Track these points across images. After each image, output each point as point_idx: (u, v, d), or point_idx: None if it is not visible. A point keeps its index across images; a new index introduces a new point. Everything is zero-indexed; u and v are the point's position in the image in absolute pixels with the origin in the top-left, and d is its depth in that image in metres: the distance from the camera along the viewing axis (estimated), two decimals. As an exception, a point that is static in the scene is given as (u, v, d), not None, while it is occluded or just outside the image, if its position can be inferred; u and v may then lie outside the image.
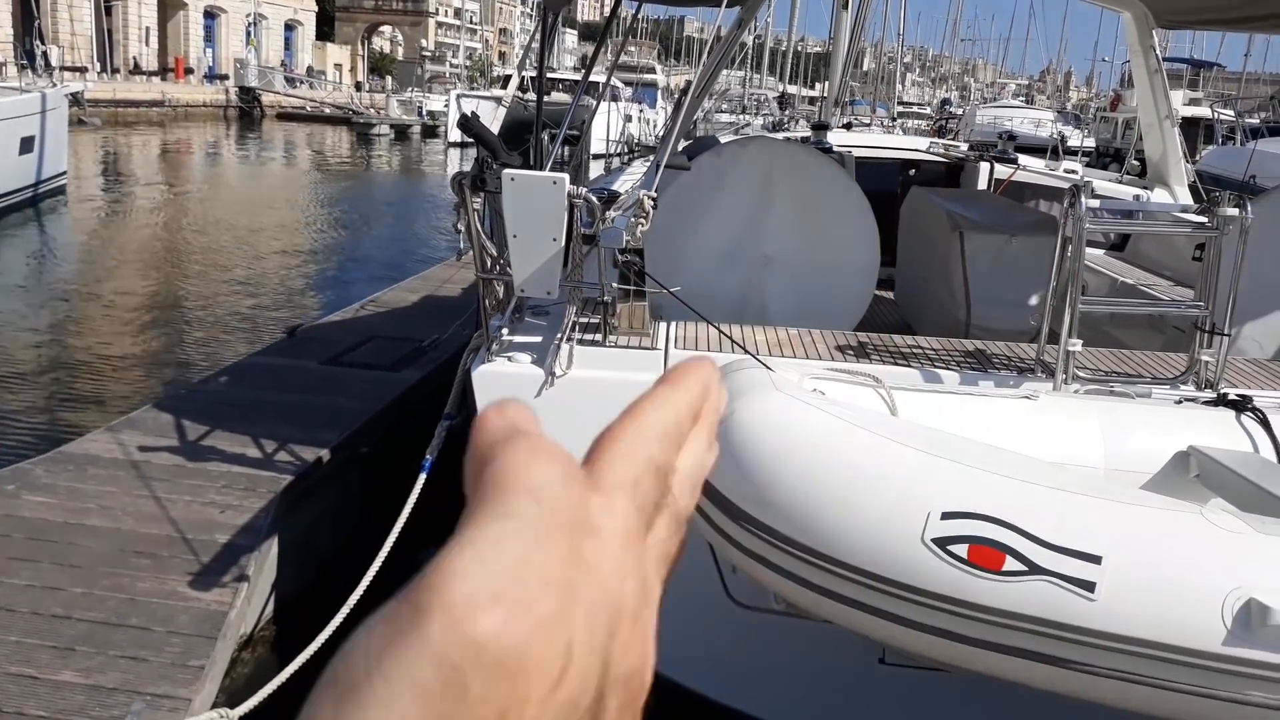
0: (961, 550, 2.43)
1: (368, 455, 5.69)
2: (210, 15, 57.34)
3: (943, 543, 2.44)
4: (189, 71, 51.30)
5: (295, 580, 4.86)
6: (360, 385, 6.35)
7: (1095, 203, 3.45)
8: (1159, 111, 6.38)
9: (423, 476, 4.00)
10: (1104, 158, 27.64)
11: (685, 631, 3.79)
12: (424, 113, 42.93)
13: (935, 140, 9.19)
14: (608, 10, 4.96)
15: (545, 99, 4.69)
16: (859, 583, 2.53)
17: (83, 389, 8.23)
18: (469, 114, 3.87)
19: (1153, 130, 6.55)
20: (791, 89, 36.56)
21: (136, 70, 48.00)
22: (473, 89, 40.40)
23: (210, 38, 57.79)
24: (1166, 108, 6.39)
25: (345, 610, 3.84)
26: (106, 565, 4.28)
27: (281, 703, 3.84)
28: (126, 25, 50.53)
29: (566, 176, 3.47)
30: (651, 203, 3.42)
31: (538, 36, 4.85)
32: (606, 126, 21.07)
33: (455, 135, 31.58)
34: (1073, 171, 7.88)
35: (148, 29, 52.05)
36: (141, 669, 3.69)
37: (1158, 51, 6.29)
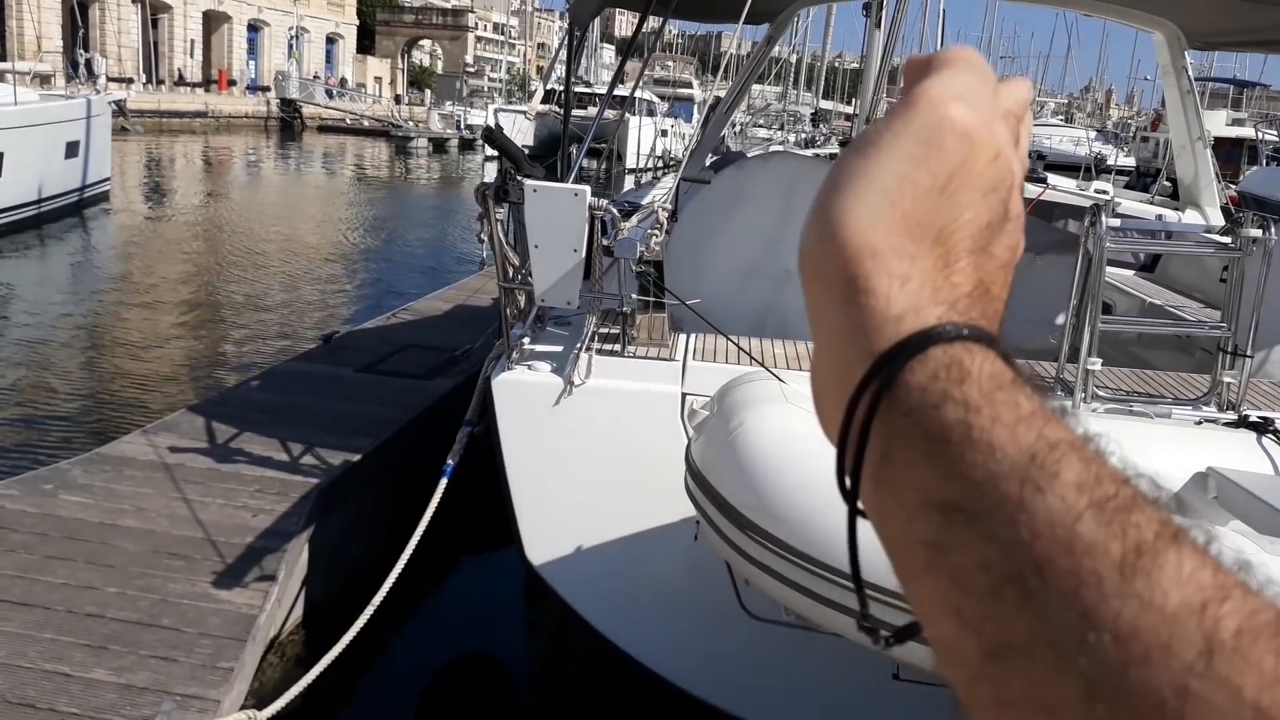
0: None
1: (400, 462, 5.77)
2: (254, 28, 58.19)
3: None
4: (232, 83, 52.08)
5: (325, 585, 4.93)
6: (394, 393, 6.44)
7: (1116, 222, 3.46)
8: (1191, 133, 6.35)
9: (444, 481, 4.06)
10: (1144, 177, 27.35)
11: (699, 643, 3.82)
12: (463, 126, 43.28)
13: None
14: (646, 29, 5.02)
15: (582, 113, 4.75)
16: (872, 597, 2.55)
17: (121, 391, 8.40)
18: (493, 126, 3.94)
19: (1185, 151, 6.52)
20: (827, 105, 36.52)
21: (181, 81, 48.85)
22: (511, 103, 40.71)
23: (253, 50, 58.64)
24: (1199, 129, 6.35)
25: (367, 614, 3.90)
26: (140, 566, 4.37)
27: (309, 705, 3.91)
28: (172, 38, 51.41)
29: (588, 189, 3.52)
30: (667, 215, 3.47)
31: (565, 51, 4.93)
32: (638, 140, 21.15)
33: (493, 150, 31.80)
34: (1103, 191, 7.85)
35: (192, 41, 52.93)
36: (172, 669, 3.77)
37: (1189, 72, 6.26)
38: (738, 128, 19.96)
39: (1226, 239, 3.54)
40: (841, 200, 0.40)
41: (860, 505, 0.39)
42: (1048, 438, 0.33)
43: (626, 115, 29.69)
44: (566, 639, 4.93)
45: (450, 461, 4.12)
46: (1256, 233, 3.40)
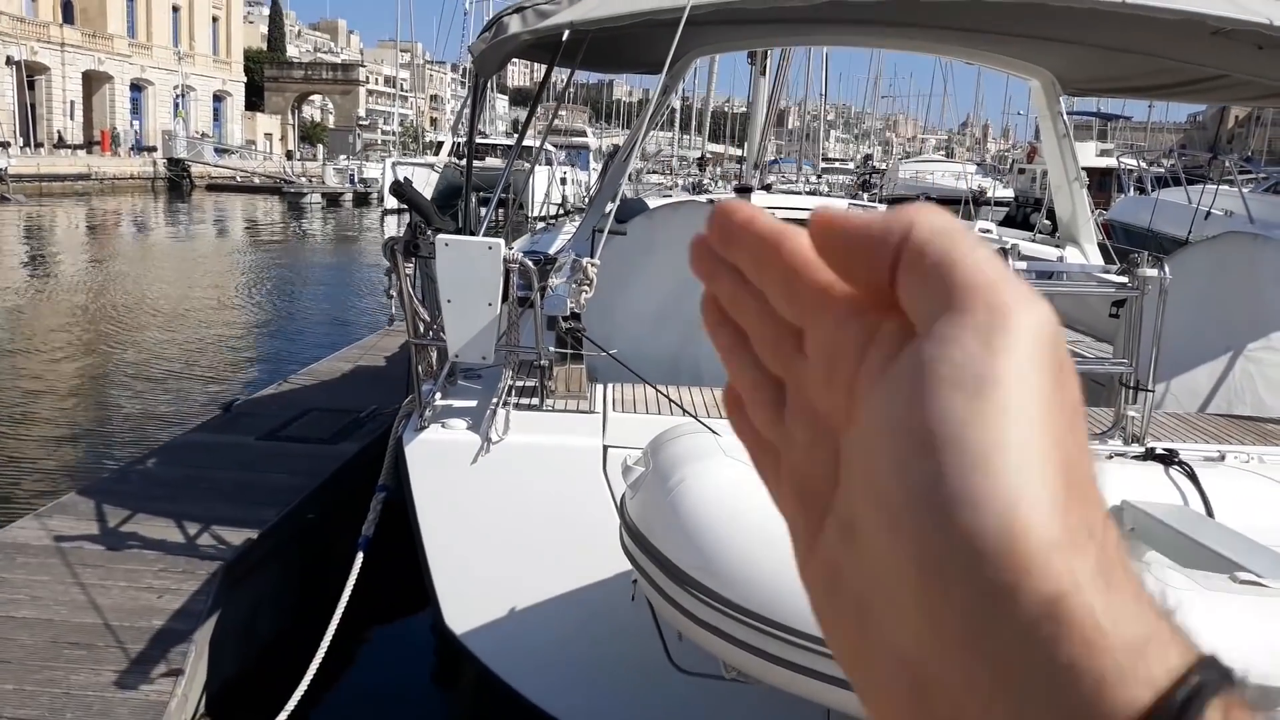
0: None
1: (308, 531, 5.61)
2: (137, 88, 56.92)
3: None
4: (116, 144, 50.74)
5: (237, 664, 4.74)
6: (298, 460, 6.27)
7: (1023, 265, 3.57)
8: (1068, 174, 6.64)
9: (360, 556, 3.94)
10: (1023, 208, 28.46)
11: (625, 698, 3.77)
12: (356, 180, 42.85)
13: (853, 202, 9.44)
14: (539, 76, 5.04)
15: (480, 164, 4.73)
16: (810, 649, 2.54)
17: (8, 475, 8.01)
18: (402, 179, 3.90)
19: (1062, 191, 6.80)
20: (718, 149, 37.15)
21: (61, 144, 47.39)
22: (406, 155, 40.50)
23: (137, 110, 57.33)
24: (1075, 170, 6.64)
25: (289, 708, 3.75)
26: (39, 659, 4.14)
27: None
28: (50, 99, 49.98)
29: (502, 242, 3.50)
30: (595, 270, 3.47)
31: (469, 102, 4.92)
32: (542, 189, 21.28)
33: (391, 202, 31.65)
34: (987, 230, 8.12)
35: (72, 102, 51.53)
36: (78, 767, 3.57)
37: (1065, 117, 6.56)
38: (632, 174, 20.22)
39: (1124, 278, 3.67)
40: (992, 481, 0.27)
41: None
42: None
43: (527, 165, 29.79)
44: (488, 705, 4.82)
45: (365, 533, 4.00)
46: (1152, 272, 3.55)
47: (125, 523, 5.31)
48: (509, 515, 3.73)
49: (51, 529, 5.20)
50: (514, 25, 3.82)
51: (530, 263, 3.56)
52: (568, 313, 3.61)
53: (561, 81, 5.04)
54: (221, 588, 4.70)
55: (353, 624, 4.23)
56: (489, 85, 4.80)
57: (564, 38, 3.81)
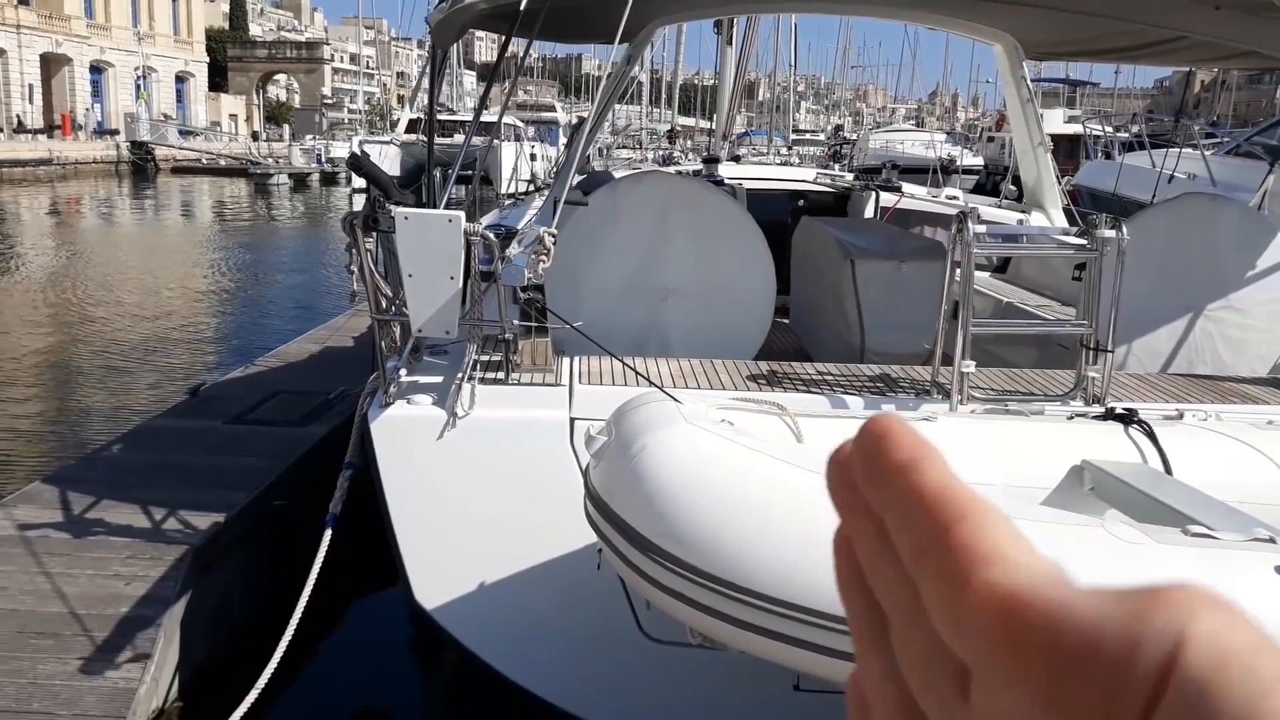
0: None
1: (278, 514, 5.57)
2: (97, 70, 56.00)
3: None
4: (77, 128, 49.94)
5: (208, 649, 4.72)
6: (267, 443, 6.22)
7: (982, 228, 3.58)
8: (1032, 139, 6.65)
9: (328, 533, 3.92)
10: (993, 175, 28.56)
11: (598, 669, 3.78)
12: (324, 160, 42.41)
13: (821, 171, 9.44)
14: (505, 50, 4.97)
15: (449, 141, 4.68)
16: (775, 612, 2.56)
17: (-27, 463, 7.91)
18: (358, 153, 3.84)
19: (1027, 156, 6.82)
20: (688, 122, 37.04)
21: (20, 129, 46.59)
22: (374, 134, 40.10)
23: (98, 92, 56.41)
24: (1039, 135, 6.66)
25: (259, 686, 3.74)
26: (5, 649, 4.10)
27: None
28: (8, 83, 49.10)
29: (462, 214, 3.47)
30: (552, 239, 3.45)
31: (428, 74, 4.86)
32: (513, 165, 21.15)
33: (359, 181, 31.34)
34: (955, 197, 8.15)
35: (30, 86, 50.63)
36: (46, 756, 3.54)
37: (1028, 82, 6.57)
38: (603, 148, 20.10)
39: (1083, 240, 3.69)
40: None
41: None
42: None
43: (496, 141, 29.56)
44: (464, 680, 4.82)
45: (333, 510, 3.97)
46: (1110, 234, 3.57)
47: (91, 510, 5.26)
48: (476, 490, 3.73)
49: (16, 518, 5.14)
50: None
51: (492, 235, 3.53)
52: (524, 283, 3.58)
53: (521, 52, 4.97)
54: (190, 573, 4.67)
55: (326, 603, 4.21)
56: (449, 58, 4.75)
57: (521, 6, 3.77)
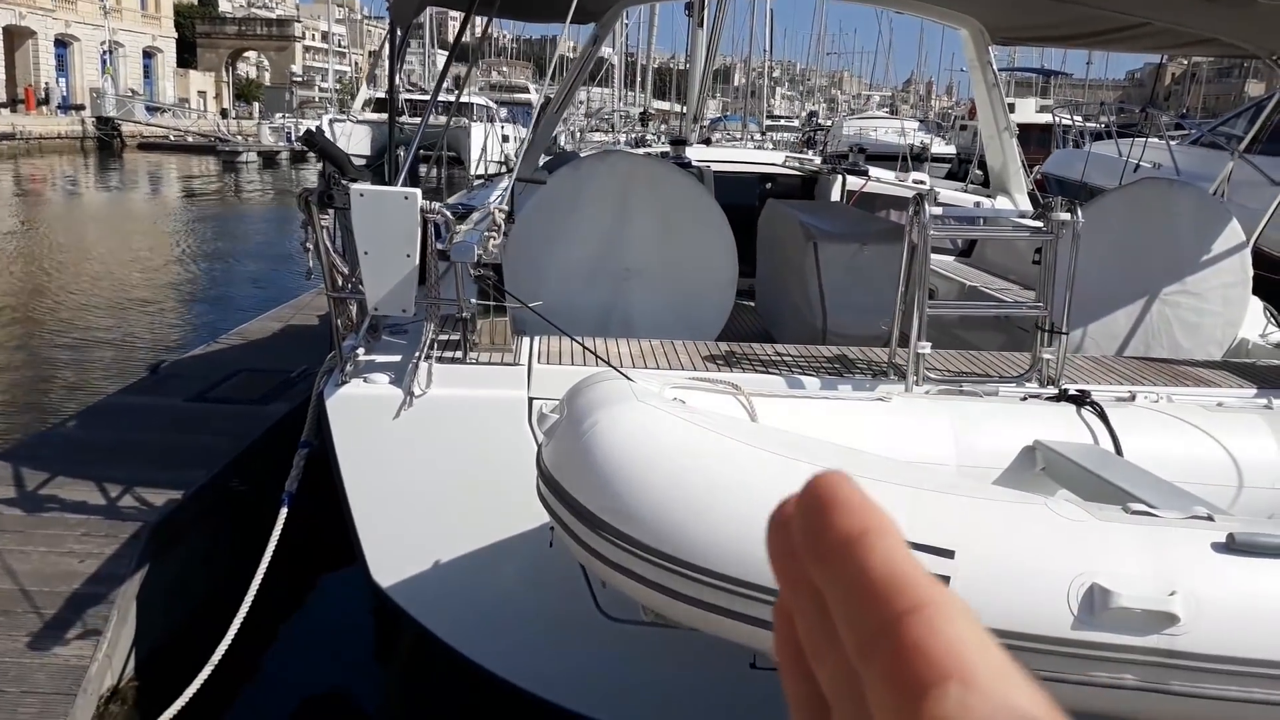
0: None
1: (239, 492, 5.53)
2: (62, 44, 55.05)
3: None
4: (42, 102, 49.11)
5: (166, 627, 4.68)
6: (228, 421, 6.17)
7: (938, 210, 3.60)
8: (998, 124, 6.68)
9: (284, 511, 3.89)
10: (965, 164, 28.70)
11: (559, 651, 3.79)
12: (293, 138, 41.98)
13: (790, 155, 9.46)
14: (474, 30, 4.93)
15: (436, 123, 4.63)
16: (723, 589, 2.56)
17: (-72, 440, 7.79)
18: (313, 129, 3.81)
19: (993, 141, 6.86)
20: (664, 105, 36.94)
21: (-17, 103, 45.80)
22: (344, 113, 39.74)
23: (63, 67, 55.47)
24: (1005, 120, 6.69)
25: (213, 662, 3.71)
26: (-47, 626, 4.05)
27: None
28: (-31, 56, 48.24)
29: (419, 191, 3.44)
30: (503, 216, 3.42)
31: (386, 53, 4.80)
32: (481, 146, 21.01)
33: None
34: (921, 181, 8.19)
35: (-7, 59, 49.76)
36: (-6, 733, 3.51)
37: (994, 67, 6.60)
38: (576, 131, 20.02)
39: (1039, 223, 3.72)
40: None
41: None
42: None
43: (467, 121, 29.37)
44: (422, 659, 4.81)
45: (289, 488, 3.95)
46: (1065, 216, 3.59)
47: (46, 486, 5.19)
48: (433, 469, 3.71)
49: (-32, 494, 5.07)
50: None
51: (448, 213, 3.50)
52: (475, 260, 3.56)
53: (479, 31, 4.91)
54: (147, 551, 4.62)
55: (284, 582, 4.19)
56: (409, 34, 4.70)
57: None
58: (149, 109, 51.60)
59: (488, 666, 3.82)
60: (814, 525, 0.26)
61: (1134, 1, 4.81)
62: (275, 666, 4.89)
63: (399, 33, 4.50)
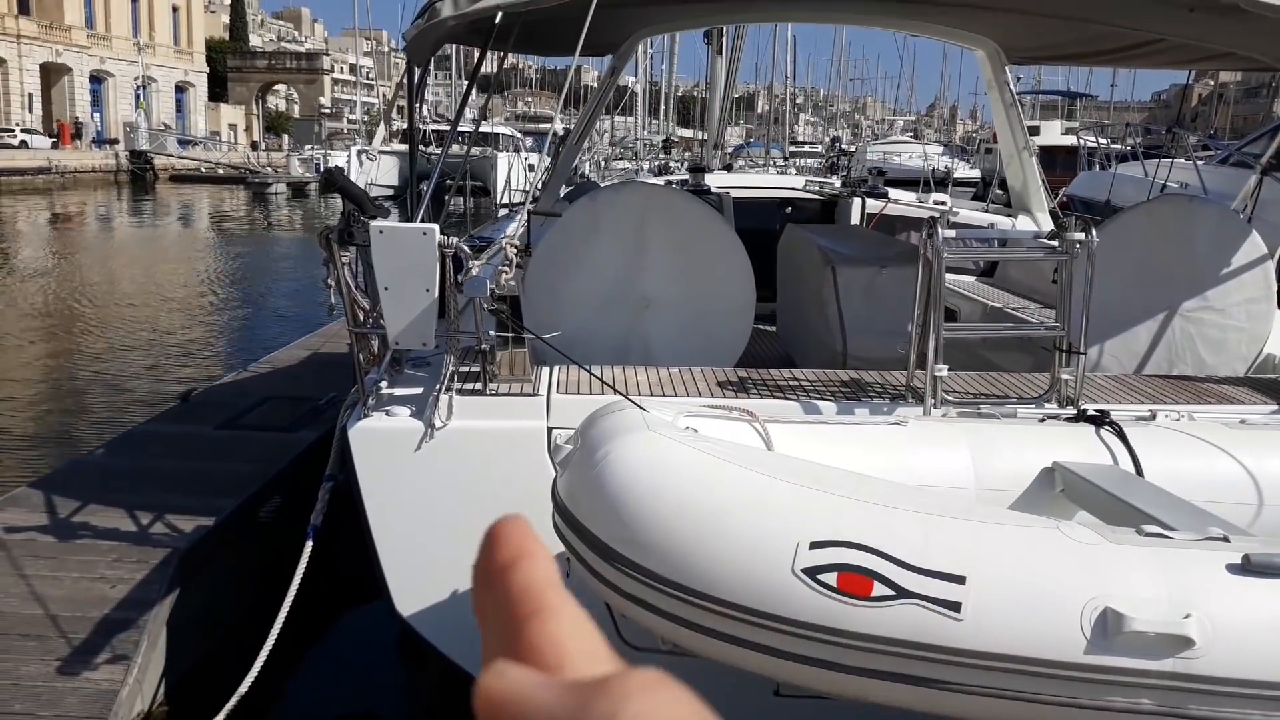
0: (831, 579, 2.47)
1: (267, 519, 5.59)
2: (97, 79, 56.15)
3: (813, 572, 2.46)
4: (76, 136, 50.04)
5: (195, 652, 4.73)
6: (257, 448, 6.24)
7: (952, 232, 3.61)
8: (1017, 143, 6.67)
9: (309, 545, 3.93)
10: (990, 187, 28.52)
11: None
12: (322, 170, 42.50)
13: (811, 179, 9.49)
14: (495, 63, 5.01)
15: (451, 151, 4.68)
16: (735, 618, 2.56)
17: (-35, 469, 7.93)
18: (334, 168, 3.89)
19: (1013, 161, 6.84)
20: (689, 133, 37.04)
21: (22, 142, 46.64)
22: (373, 144, 40.16)
23: (98, 102, 56.56)
24: (1024, 139, 6.68)
25: (239, 694, 3.75)
26: (-13, 651, 4.12)
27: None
28: (8, 91, 49.23)
29: (436, 227, 3.49)
30: (515, 251, 3.47)
31: (406, 92, 4.88)
32: (505, 175, 21.19)
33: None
34: (942, 202, 8.19)
35: (30, 95, 50.74)
36: (27, 757, 3.56)
37: (1011, 86, 6.60)
38: (601, 161, 20.15)
39: (1054, 243, 3.73)
40: None
41: None
42: None
43: (493, 152, 29.61)
44: (447, 690, 4.83)
45: (314, 522, 3.99)
46: (1080, 236, 3.60)
47: (78, 513, 5.28)
48: (455, 500, 3.73)
49: (3, 521, 5.16)
50: (445, 10, 3.78)
51: (466, 247, 3.56)
52: (487, 294, 3.60)
53: (495, 66, 4.98)
54: (177, 577, 4.68)
55: (311, 612, 4.22)
56: (426, 72, 4.78)
57: (496, 20, 3.80)
58: (181, 142, 52.49)
59: None
60: (484, 557, 0.33)
61: (1145, 18, 4.80)
62: (302, 696, 4.93)
63: (417, 71, 4.58)
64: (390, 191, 26.36)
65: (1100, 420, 3.46)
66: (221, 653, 4.87)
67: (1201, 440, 3.36)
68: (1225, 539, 2.52)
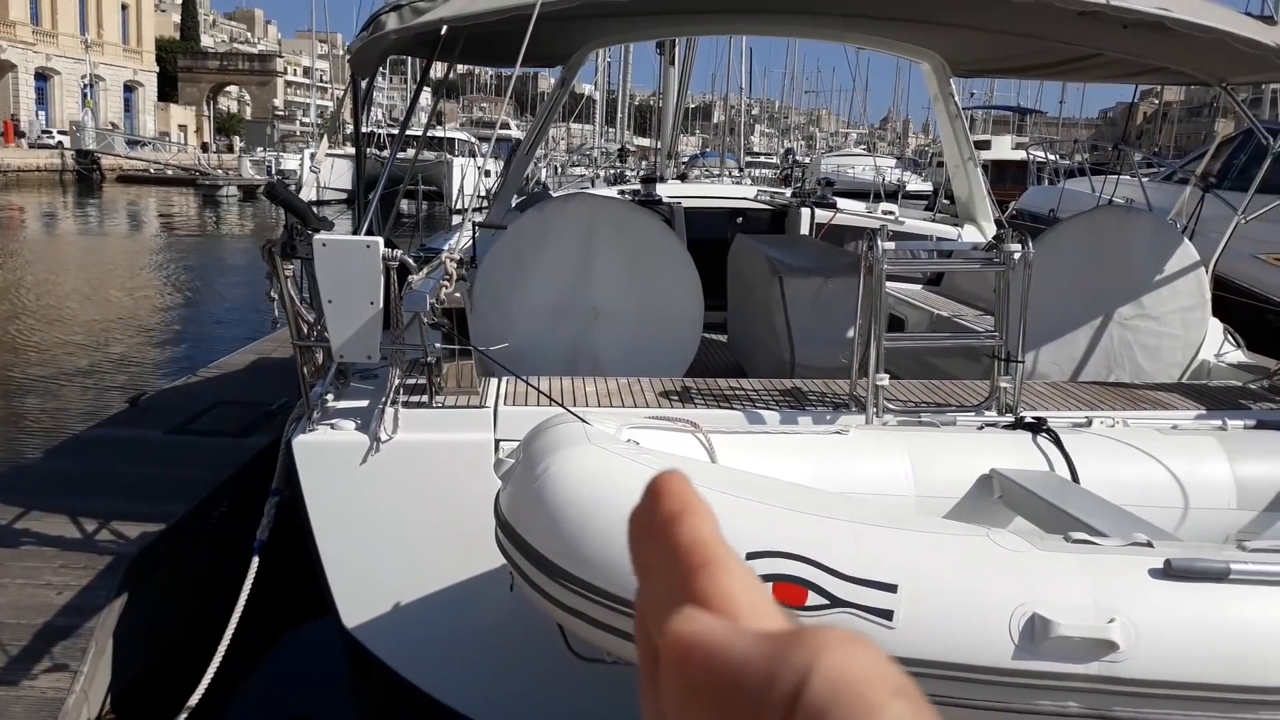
0: (766, 590, 2.52)
1: (218, 525, 5.55)
2: (42, 77, 55.07)
3: None
4: (20, 135, 49.03)
5: (143, 661, 4.69)
6: (207, 454, 6.19)
7: (892, 244, 3.70)
8: (961, 154, 6.81)
9: (255, 560, 3.88)
10: (940, 200, 28.91)
11: (530, 690, 3.78)
12: (273, 172, 42.06)
13: (762, 189, 9.61)
14: (446, 70, 5.00)
15: (403, 155, 4.65)
16: None
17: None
18: (274, 181, 3.88)
19: (958, 172, 6.98)
20: (645, 142, 37.14)
21: (-38, 137, 45.69)
22: (330, 146, 39.77)
23: (43, 100, 55.46)
24: (968, 150, 6.82)
25: (195, 699, 3.72)
26: (-71, 659, 4.06)
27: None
28: (-50, 89, 48.15)
29: (380, 240, 3.47)
30: (454, 264, 3.49)
31: (350, 104, 4.87)
32: (459, 181, 21.10)
33: (310, 192, 31.07)
34: (890, 212, 8.33)
35: (-27, 93, 49.68)
36: (-31, 765, 3.52)
37: (956, 99, 6.74)
38: (558, 168, 20.17)
39: (990, 254, 3.83)
40: None
41: None
42: None
43: (447, 157, 29.43)
44: (394, 703, 4.83)
45: (260, 536, 3.95)
46: (1016, 247, 3.71)
47: (23, 519, 5.20)
48: (401, 514, 3.70)
49: (-56, 528, 5.08)
50: (390, 23, 3.76)
51: (410, 260, 3.56)
52: (428, 308, 3.61)
53: (445, 73, 4.94)
54: (125, 583, 4.63)
55: (259, 624, 4.20)
56: (372, 83, 4.76)
57: (441, 32, 3.82)
58: (129, 142, 51.60)
59: (460, 709, 3.81)
60: (646, 509, 0.33)
61: (1082, 34, 4.94)
62: (249, 707, 4.89)
63: (365, 84, 4.55)
64: (344, 195, 26.18)
65: (1037, 427, 3.55)
66: (169, 661, 4.83)
67: (1134, 447, 3.47)
68: (1149, 544, 2.62)
